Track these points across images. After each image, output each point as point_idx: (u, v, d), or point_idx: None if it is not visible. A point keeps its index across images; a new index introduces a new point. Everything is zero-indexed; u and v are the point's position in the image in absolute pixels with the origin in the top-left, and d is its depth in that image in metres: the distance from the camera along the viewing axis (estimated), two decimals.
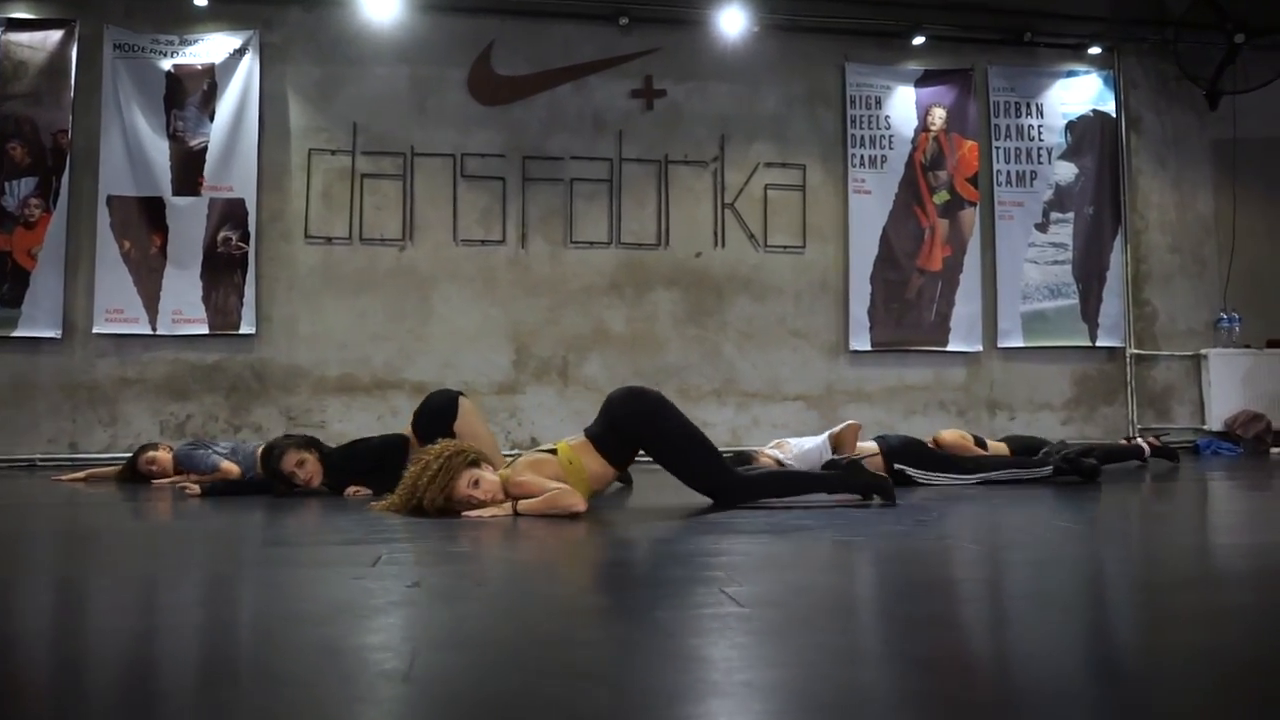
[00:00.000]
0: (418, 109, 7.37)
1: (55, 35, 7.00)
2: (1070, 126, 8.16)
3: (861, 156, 7.83)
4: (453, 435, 4.46)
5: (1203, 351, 8.17)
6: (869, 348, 7.74)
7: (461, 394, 4.98)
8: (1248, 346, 8.17)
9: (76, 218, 6.93)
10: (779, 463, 4.66)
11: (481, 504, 3.45)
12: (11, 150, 6.87)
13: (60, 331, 6.85)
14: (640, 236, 7.57)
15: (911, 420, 7.67)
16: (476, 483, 3.47)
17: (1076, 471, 4.84)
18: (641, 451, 3.82)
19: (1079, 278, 8.07)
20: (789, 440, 4.91)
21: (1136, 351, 8.16)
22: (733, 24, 7.52)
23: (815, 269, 7.77)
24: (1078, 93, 8.20)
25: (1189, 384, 8.24)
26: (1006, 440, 5.91)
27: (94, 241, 6.92)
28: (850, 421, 4.93)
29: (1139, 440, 6.30)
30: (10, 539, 3.46)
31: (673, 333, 7.57)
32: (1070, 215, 8.10)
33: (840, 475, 3.91)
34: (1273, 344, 8.20)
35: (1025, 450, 5.58)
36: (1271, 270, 8.36)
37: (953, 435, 5.64)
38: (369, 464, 4.68)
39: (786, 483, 3.90)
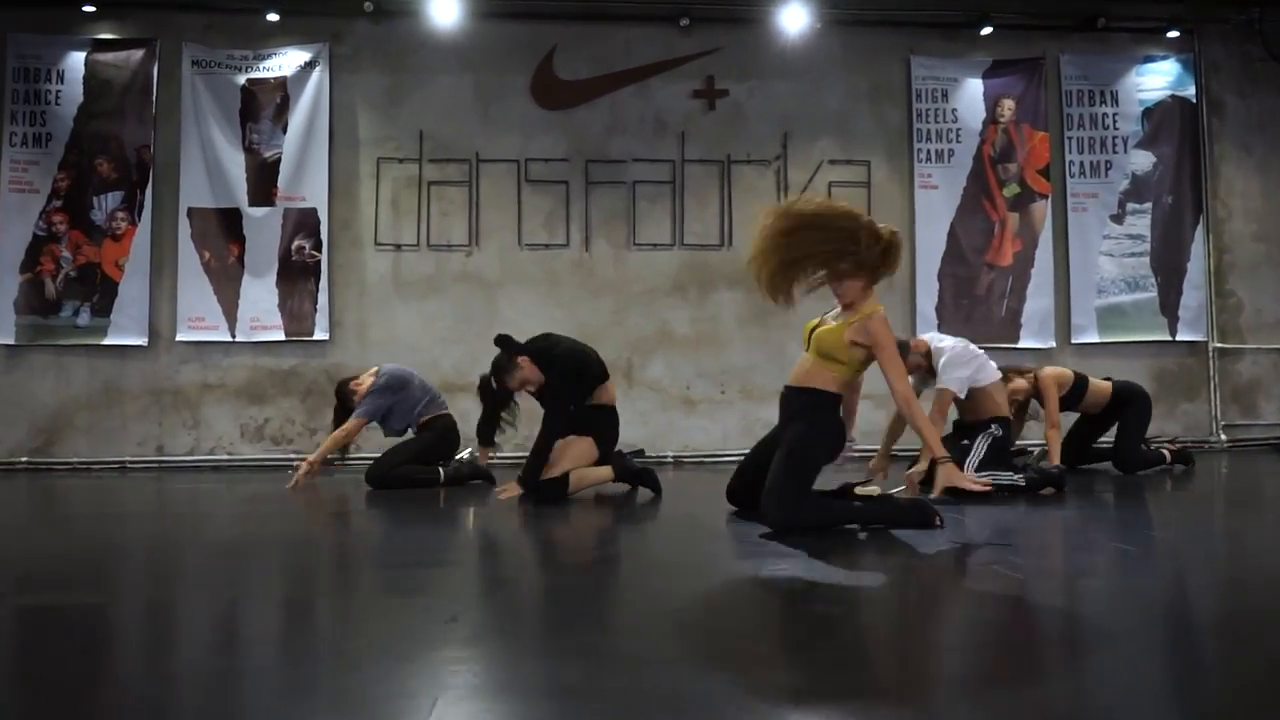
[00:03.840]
0: (482, 116, 7.48)
1: (138, 54, 7.29)
2: (1147, 114, 7.89)
3: (928, 151, 7.70)
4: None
5: None
6: None
7: None
8: None
9: (159, 229, 7.22)
10: None
11: None
12: (99, 166, 7.19)
13: (147, 339, 7.16)
14: (703, 237, 7.57)
15: None
16: None
17: (1048, 482, 4.73)
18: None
19: (1157, 270, 7.82)
20: None
21: (1220, 345, 7.87)
22: (794, 21, 7.46)
23: None
24: (1155, 78, 7.93)
25: (1277, 379, 7.92)
26: None
27: (175, 252, 7.21)
28: None
29: (1162, 449, 6.05)
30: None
31: (736, 333, 7.56)
32: (1148, 206, 7.85)
33: (879, 508, 3.79)
34: None
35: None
36: None
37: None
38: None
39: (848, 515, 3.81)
